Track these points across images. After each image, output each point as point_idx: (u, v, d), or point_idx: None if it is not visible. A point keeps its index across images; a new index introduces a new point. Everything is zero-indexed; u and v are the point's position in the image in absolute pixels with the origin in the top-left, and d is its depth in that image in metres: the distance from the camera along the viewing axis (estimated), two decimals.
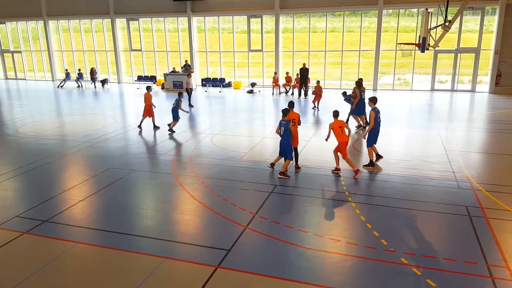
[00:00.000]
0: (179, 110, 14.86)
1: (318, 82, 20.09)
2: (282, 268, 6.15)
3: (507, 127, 15.14)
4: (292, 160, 10.28)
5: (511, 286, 5.64)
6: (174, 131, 14.87)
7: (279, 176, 10.04)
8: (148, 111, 15.32)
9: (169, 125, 14.98)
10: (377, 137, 10.86)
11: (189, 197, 8.98)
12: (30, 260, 6.49)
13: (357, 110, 14.78)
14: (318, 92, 19.27)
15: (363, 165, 10.93)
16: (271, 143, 13.44)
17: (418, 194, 8.96)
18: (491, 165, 11.25)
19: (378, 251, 6.57)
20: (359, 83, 14.82)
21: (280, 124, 10.12)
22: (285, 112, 10.11)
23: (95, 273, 6.16)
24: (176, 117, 14.94)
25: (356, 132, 14.60)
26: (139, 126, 15.48)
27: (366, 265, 6.28)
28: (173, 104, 14.95)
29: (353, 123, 15.16)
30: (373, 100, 10.82)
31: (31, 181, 10.22)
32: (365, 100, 14.49)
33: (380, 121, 10.82)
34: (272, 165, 10.67)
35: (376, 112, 10.61)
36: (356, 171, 10.14)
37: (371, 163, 10.77)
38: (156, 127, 15.43)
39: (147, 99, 15.27)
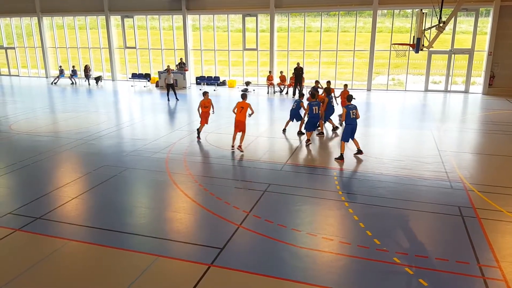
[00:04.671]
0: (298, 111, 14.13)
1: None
2: (275, 267, 6.15)
3: (499, 128, 15.25)
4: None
5: (502, 286, 5.69)
6: (303, 132, 13.75)
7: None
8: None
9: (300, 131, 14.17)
10: (352, 133, 11.44)
11: (183, 195, 8.96)
12: (23, 257, 6.45)
13: (328, 114, 14.77)
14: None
15: (334, 158, 11.45)
16: (265, 141, 13.45)
17: (411, 194, 9.00)
18: (483, 165, 11.33)
19: (371, 251, 6.60)
20: (328, 89, 14.80)
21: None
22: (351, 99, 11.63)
23: (88, 271, 6.13)
24: (298, 118, 14.14)
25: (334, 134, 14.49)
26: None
27: (359, 264, 6.30)
28: (293, 106, 14.18)
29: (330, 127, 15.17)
30: (348, 98, 11.64)
31: (24, 178, 10.15)
32: (334, 104, 15.15)
33: (354, 118, 11.39)
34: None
35: (348, 109, 11.28)
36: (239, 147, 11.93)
37: (341, 157, 11.25)
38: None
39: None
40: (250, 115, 12.34)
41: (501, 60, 23.15)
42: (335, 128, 14.72)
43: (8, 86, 28.89)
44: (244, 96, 12.48)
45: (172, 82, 21.61)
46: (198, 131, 13.60)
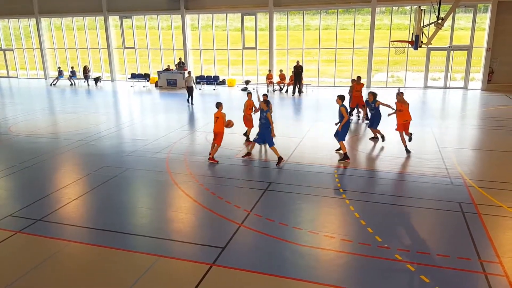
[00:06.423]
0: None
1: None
2: (276, 266, 6.16)
3: (499, 123, 15.25)
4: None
5: (503, 281, 5.70)
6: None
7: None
8: None
9: None
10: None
11: (184, 195, 8.96)
12: (24, 259, 6.45)
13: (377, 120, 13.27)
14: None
15: (338, 160, 11.17)
16: None
17: (411, 191, 9.01)
18: (483, 161, 11.33)
19: (373, 248, 6.61)
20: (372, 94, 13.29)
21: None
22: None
23: (89, 272, 6.13)
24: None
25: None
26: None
27: (360, 261, 6.30)
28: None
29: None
30: (341, 97, 11.20)
31: (24, 180, 10.15)
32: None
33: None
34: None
35: (345, 107, 11.11)
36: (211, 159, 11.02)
37: (346, 156, 11.07)
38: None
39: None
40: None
41: (500, 56, 23.14)
42: (382, 137, 13.06)
43: (7, 88, 28.86)
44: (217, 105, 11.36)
45: (192, 85, 20.49)
46: (246, 135, 12.80)
